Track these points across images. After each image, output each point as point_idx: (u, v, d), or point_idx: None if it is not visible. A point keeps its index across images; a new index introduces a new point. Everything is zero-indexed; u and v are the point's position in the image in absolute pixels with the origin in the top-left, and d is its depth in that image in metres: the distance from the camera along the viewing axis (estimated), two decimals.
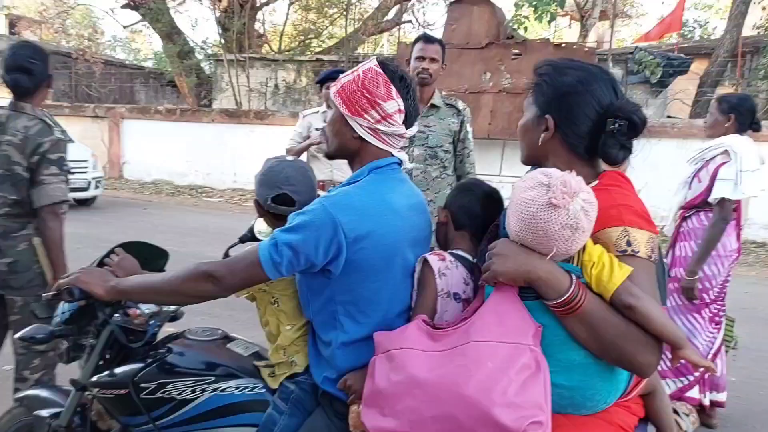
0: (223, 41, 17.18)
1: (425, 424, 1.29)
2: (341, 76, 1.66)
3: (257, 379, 1.82)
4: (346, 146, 1.64)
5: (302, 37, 21.45)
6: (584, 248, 1.30)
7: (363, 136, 1.60)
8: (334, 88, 1.63)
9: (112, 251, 1.96)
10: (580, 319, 1.26)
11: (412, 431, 1.31)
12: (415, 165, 3.51)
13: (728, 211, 3.33)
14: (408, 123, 1.63)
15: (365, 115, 1.57)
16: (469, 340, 1.30)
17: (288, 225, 1.50)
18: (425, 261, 1.59)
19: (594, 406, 1.35)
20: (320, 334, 1.63)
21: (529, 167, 1.56)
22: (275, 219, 1.82)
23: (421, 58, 3.42)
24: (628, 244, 1.29)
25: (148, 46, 31.08)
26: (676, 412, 1.66)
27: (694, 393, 3.46)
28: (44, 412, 2.08)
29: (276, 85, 16.07)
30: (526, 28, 12.10)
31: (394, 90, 1.57)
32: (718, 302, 3.48)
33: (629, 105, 1.41)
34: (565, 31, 18.36)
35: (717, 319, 3.49)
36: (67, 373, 2.07)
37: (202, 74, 18.18)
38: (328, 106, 4.94)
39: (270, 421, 1.68)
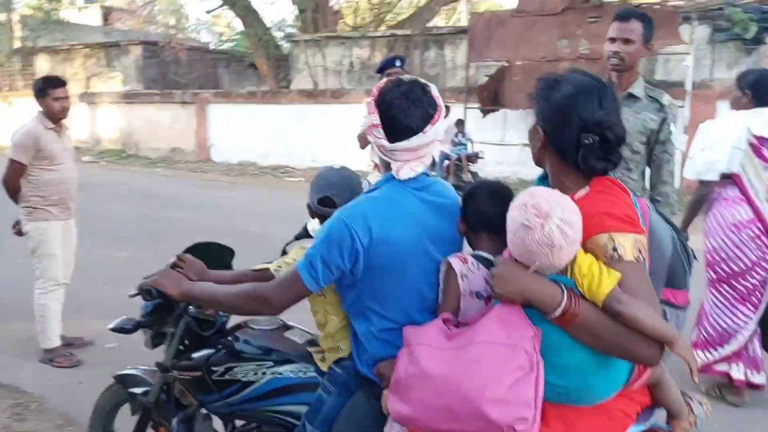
0: (298, 22, 17.53)
1: (430, 413, 1.46)
2: None
3: (310, 364, 2.05)
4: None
5: (377, 11, 21.48)
6: (575, 260, 1.41)
7: (376, 153, 1.78)
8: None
9: (186, 251, 2.24)
10: (579, 327, 1.38)
11: (420, 417, 1.49)
12: None
13: (700, 188, 3.58)
14: (396, 137, 1.71)
15: (370, 134, 1.76)
16: (473, 341, 1.46)
17: (315, 241, 1.71)
18: (448, 264, 1.73)
19: (591, 401, 1.47)
20: (354, 325, 1.83)
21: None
22: (323, 219, 2.01)
23: (612, 40, 2.96)
24: (614, 249, 1.39)
25: (230, 28, 32.05)
26: (688, 395, 1.75)
27: (724, 367, 3.55)
28: (137, 390, 2.39)
29: (351, 63, 16.29)
30: None
31: (372, 105, 1.73)
32: (747, 281, 3.49)
33: (607, 120, 1.49)
34: None
35: (753, 300, 3.49)
36: (154, 356, 2.38)
37: (280, 55, 18.66)
38: None
39: (319, 401, 1.91)
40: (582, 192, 1.51)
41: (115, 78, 20.71)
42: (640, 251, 1.41)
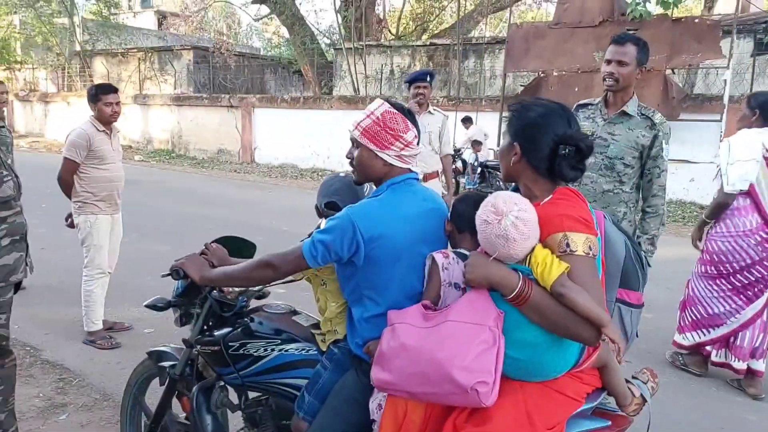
0: (342, 31, 17.93)
1: (408, 379, 1.73)
2: (359, 120, 2.05)
3: (312, 344, 2.33)
4: (377, 173, 2.08)
5: (420, 21, 21.77)
6: (533, 252, 1.67)
7: (392, 163, 2.04)
8: (356, 131, 2.05)
9: (214, 242, 2.54)
10: (530, 307, 1.64)
11: (399, 383, 1.75)
12: (587, 173, 3.26)
13: (721, 197, 3.90)
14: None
15: (392, 147, 2.01)
16: (446, 320, 1.73)
17: (323, 227, 1.97)
18: (432, 258, 1.98)
19: (545, 375, 1.72)
20: (351, 311, 2.09)
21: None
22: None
23: (608, 62, 3.21)
24: (567, 245, 1.64)
25: (279, 35, 32.83)
26: (630, 381, 1.94)
27: (709, 348, 4.04)
28: (166, 364, 2.68)
29: (391, 71, 16.61)
30: (649, 13, 11.48)
31: (408, 122, 2.02)
32: (745, 277, 3.91)
33: (578, 135, 1.78)
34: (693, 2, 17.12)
35: (748, 293, 3.93)
36: (181, 334, 2.68)
37: (324, 62, 19.11)
38: (418, 104, 5.31)
39: (317, 375, 2.18)
40: (546, 199, 1.77)
41: (167, 81, 21.54)
42: (590, 248, 1.65)
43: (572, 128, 1.80)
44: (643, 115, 3.26)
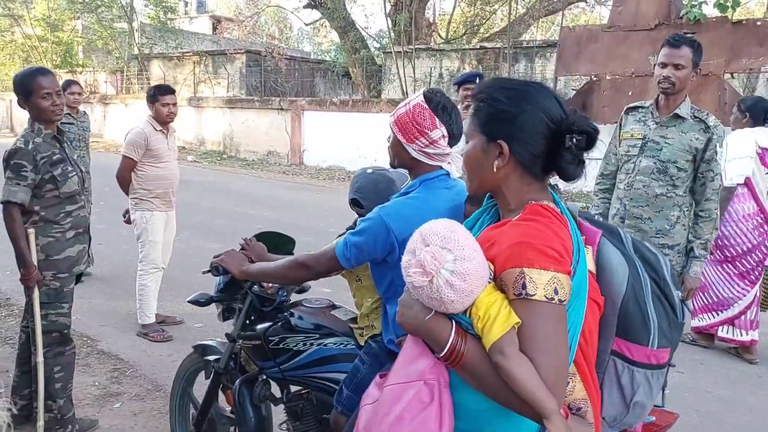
0: (392, 35, 18.02)
1: None
2: (397, 107, 2.06)
3: (350, 338, 2.38)
4: (405, 163, 2.09)
5: (470, 24, 21.68)
6: (476, 300, 1.28)
7: (416, 157, 2.03)
8: (391, 118, 2.07)
9: (252, 238, 2.61)
10: (465, 370, 1.28)
11: None
12: (639, 177, 3.28)
13: (723, 192, 4.12)
14: (451, 143, 2.03)
15: (417, 141, 2.00)
16: (385, 385, 1.41)
17: (356, 229, 2.01)
18: None
19: None
20: (387, 307, 2.12)
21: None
22: (358, 216, 2.34)
23: (663, 65, 3.14)
24: (524, 286, 1.23)
25: (329, 39, 33.23)
26: None
27: (727, 333, 4.53)
28: (211, 357, 2.77)
29: (440, 74, 16.59)
30: (704, 15, 11.03)
31: (437, 120, 1.98)
32: (748, 262, 4.45)
33: (581, 118, 1.36)
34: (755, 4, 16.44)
35: (751, 277, 4.47)
36: (229, 329, 2.76)
37: (373, 66, 19.24)
38: (465, 108, 5.33)
39: (356, 369, 2.22)
40: (516, 215, 1.37)
41: (220, 84, 22.05)
42: (555, 291, 1.23)
43: (566, 109, 1.40)
44: (696, 117, 3.21)
